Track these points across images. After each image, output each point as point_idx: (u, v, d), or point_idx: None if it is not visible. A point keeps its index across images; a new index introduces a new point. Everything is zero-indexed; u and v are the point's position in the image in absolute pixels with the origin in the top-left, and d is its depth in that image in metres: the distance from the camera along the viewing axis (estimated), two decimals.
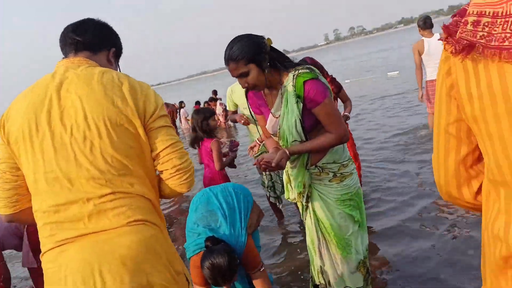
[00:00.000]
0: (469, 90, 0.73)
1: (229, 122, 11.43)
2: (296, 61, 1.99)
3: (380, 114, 8.21)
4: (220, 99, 12.22)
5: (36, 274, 2.77)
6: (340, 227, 1.98)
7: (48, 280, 1.22)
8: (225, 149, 3.39)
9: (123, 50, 1.57)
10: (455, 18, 0.77)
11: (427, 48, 5.24)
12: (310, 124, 1.87)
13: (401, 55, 20.30)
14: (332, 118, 1.84)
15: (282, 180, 3.49)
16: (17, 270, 4.10)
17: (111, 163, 1.23)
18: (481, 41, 0.70)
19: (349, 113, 3.55)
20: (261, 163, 1.83)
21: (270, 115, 1.98)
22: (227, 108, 3.74)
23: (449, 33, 0.76)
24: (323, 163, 1.95)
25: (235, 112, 3.67)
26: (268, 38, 1.85)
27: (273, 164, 1.80)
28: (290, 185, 2.07)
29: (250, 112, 2.11)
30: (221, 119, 11.77)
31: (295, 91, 1.81)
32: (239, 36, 1.85)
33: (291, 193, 2.09)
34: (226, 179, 3.28)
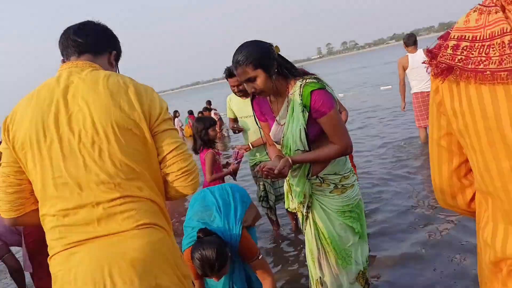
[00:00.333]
0: (453, 108, 0.78)
1: (223, 132, 11.46)
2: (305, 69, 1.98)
3: (378, 124, 8.35)
4: (215, 110, 12.25)
5: (36, 278, 2.73)
6: (341, 238, 1.97)
7: (58, 282, 1.21)
8: (230, 160, 3.43)
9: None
10: (439, 42, 0.82)
11: (411, 63, 5.51)
12: (315, 134, 1.86)
13: (393, 70, 20.55)
14: (337, 130, 1.84)
15: (276, 190, 3.54)
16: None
17: (119, 168, 1.23)
18: (459, 64, 0.75)
19: (346, 120, 3.54)
20: (263, 170, 1.83)
21: (275, 122, 1.97)
22: (227, 116, 3.75)
23: (432, 56, 0.81)
24: (324, 174, 1.94)
25: (235, 119, 3.69)
26: (276, 46, 1.86)
27: (275, 172, 1.79)
28: (291, 194, 2.06)
29: (255, 119, 2.11)
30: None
31: (301, 100, 1.81)
32: (247, 42, 1.86)
33: (291, 203, 2.08)
34: None
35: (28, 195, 1.32)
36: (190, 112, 13.74)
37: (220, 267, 1.97)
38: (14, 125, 1.27)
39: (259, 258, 2.22)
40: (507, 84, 0.68)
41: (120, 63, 1.57)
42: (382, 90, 14.49)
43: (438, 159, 0.91)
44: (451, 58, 0.76)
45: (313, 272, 2.08)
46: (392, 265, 2.88)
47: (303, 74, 1.89)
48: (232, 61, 1.83)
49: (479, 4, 0.76)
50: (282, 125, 1.94)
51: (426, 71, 0.83)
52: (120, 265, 1.17)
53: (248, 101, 3.42)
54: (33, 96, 1.30)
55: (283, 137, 1.94)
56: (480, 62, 0.72)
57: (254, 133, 3.45)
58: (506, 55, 0.69)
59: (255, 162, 3.56)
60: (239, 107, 3.54)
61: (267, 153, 2.26)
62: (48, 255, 1.26)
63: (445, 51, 0.78)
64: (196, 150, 3.35)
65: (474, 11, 0.76)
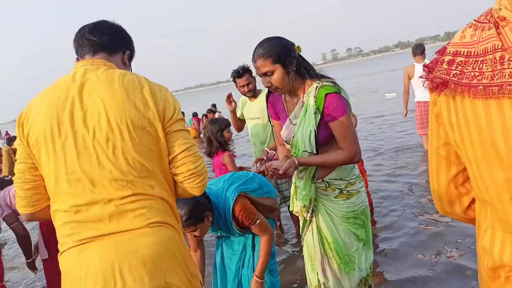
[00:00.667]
0: (450, 120, 0.81)
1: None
2: (323, 73, 1.97)
3: (379, 132, 8.37)
4: (220, 112, 12.30)
5: (48, 268, 2.72)
6: (344, 243, 1.96)
7: (68, 278, 1.21)
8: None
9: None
10: (436, 57, 0.84)
11: (417, 73, 5.60)
12: (325, 137, 1.85)
13: (398, 78, 20.63)
14: (347, 136, 1.82)
15: (281, 193, 3.56)
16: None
17: (132, 165, 1.24)
18: (453, 79, 0.77)
19: (355, 126, 3.56)
20: (268, 169, 1.83)
21: (287, 121, 1.96)
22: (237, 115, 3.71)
23: (428, 70, 0.84)
24: (330, 179, 1.93)
25: (242, 120, 3.70)
26: (298, 46, 1.87)
27: (280, 172, 1.79)
28: (296, 197, 2.05)
29: (268, 117, 2.11)
30: None
31: (315, 101, 1.80)
32: (271, 37, 1.86)
33: (296, 206, 2.07)
34: None
35: (43, 191, 1.32)
36: (195, 114, 13.80)
37: (190, 223, 1.96)
38: (29, 121, 1.27)
39: (256, 223, 2.20)
40: (499, 99, 0.71)
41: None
42: (386, 97, 14.51)
43: (437, 167, 0.94)
44: (446, 73, 0.79)
45: (312, 278, 2.07)
46: (394, 272, 2.89)
47: (320, 76, 1.89)
48: (253, 54, 1.83)
49: (474, 20, 0.79)
50: (294, 124, 1.93)
51: (423, 85, 0.85)
52: (131, 262, 1.18)
53: (254, 103, 3.48)
54: (48, 93, 1.30)
55: (293, 137, 1.93)
56: (474, 77, 0.74)
57: (256, 136, 3.48)
58: (497, 71, 0.71)
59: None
60: (247, 107, 3.57)
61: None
62: None
63: (440, 66, 0.81)
64: (211, 153, 3.27)
65: (470, 27, 0.79)
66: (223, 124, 3.21)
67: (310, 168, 1.93)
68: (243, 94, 3.50)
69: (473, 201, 0.92)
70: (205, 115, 12.98)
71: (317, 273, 2.03)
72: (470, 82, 0.75)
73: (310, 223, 2.02)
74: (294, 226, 3.85)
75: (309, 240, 2.03)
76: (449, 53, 0.80)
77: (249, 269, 2.36)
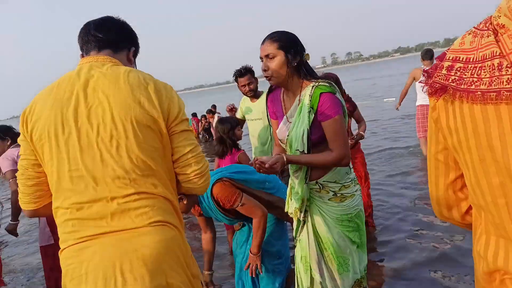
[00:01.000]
0: (448, 125, 0.82)
1: None
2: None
3: (379, 134, 8.42)
4: (219, 113, 12.31)
5: (49, 253, 2.79)
6: (338, 245, 1.97)
7: (68, 276, 1.20)
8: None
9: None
10: (436, 62, 0.86)
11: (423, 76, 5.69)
12: (317, 137, 1.86)
13: (397, 82, 20.72)
14: (337, 137, 1.83)
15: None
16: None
17: (136, 163, 1.23)
18: (452, 84, 0.79)
19: (364, 132, 3.54)
20: (256, 162, 1.83)
21: (284, 119, 1.97)
22: (237, 115, 3.72)
23: (428, 75, 0.86)
24: (324, 181, 1.94)
25: (242, 121, 3.70)
26: (307, 54, 1.91)
27: (266, 165, 1.79)
28: (291, 198, 2.06)
29: (267, 116, 2.13)
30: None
31: (310, 100, 1.82)
32: (287, 30, 1.92)
33: (290, 207, 2.07)
34: None
35: (46, 188, 1.31)
36: (194, 114, 13.81)
37: None
38: (33, 117, 1.26)
39: (240, 205, 2.25)
40: (497, 104, 0.72)
41: None
42: (385, 102, 14.57)
43: (435, 172, 0.94)
44: (445, 78, 0.80)
45: (304, 280, 2.07)
46: (392, 275, 2.89)
47: (318, 78, 1.91)
48: (265, 37, 1.88)
49: (473, 27, 0.81)
50: (290, 123, 1.94)
51: (422, 90, 0.87)
52: (132, 261, 1.16)
53: (255, 104, 3.49)
54: (52, 89, 1.29)
55: (287, 136, 1.94)
56: (472, 83, 0.75)
57: (258, 137, 3.50)
58: (495, 77, 0.72)
59: None
60: (247, 109, 3.58)
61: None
62: None
63: (440, 71, 0.82)
64: (224, 153, 3.16)
65: (469, 33, 0.80)
66: (234, 122, 3.15)
67: (304, 168, 1.93)
68: (244, 94, 3.51)
69: (471, 206, 0.93)
70: (204, 116, 12.98)
71: (312, 273, 2.03)
72: (468, 87, 0.76)
73: (304, 223, 2.02)
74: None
75: (304, 241, 2.04)
76: (448, 59, 0.82)
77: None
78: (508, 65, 0.71)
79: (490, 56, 0.74)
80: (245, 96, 3.58)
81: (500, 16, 0.75)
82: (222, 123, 3.10)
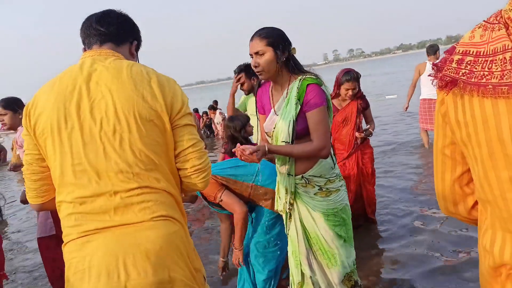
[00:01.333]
0: (457, 119, 0.81)
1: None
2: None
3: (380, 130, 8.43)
4: (220, 109, 12.31)
5: (50, 245, 2.76)
6: (325, 239, 2.02)
7: (71, 270, 1.20)
8: None
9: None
10: (445, 56, 0.85)
11: (427, 70, 5.94)
12: (301, 128, 1.90)
13: (399, 80, 20.68)
14: (319, 127, 1.87)
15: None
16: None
17: (139, 158, 1.23)
18: (463, 77, 0.78)
19: (373, 130, 3.57)
20: (238, 149, 1.87)
21: (271, 111, 2.02)
22: (240, 109, 3.70)
23: (437, 69, 0.85)
24: (309, 175, 1.98)
25: (237, 110, 3.68)
26: (294, 47, 1.96)
27: (246, 152, 1.82)
28: (279, 195, 2.12)
29: (256, 111, 2.17)
30: (219, 128, 11.85)
31: (298, 92, 1.88)
32: (273, 26, 1.98)
33: (279, 204, 2.13)
34: None
35: (52, 182, 1.31)
36: (195, 110, 13.80)
37: None
38: (36, 111, 1.26)
39: (220, 201, 2.41)
40: (508, 98, 0.72)
41: None
42: (387, 98, 14.54)
43: (442, 167, 0.94)
44: (455, 72, 0.80)
45: (295, 274, 2.10)
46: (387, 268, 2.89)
47: (306, 72, 1.97)
48: (253, 35, 1.94)
49: (483, 21, 0.80)
50: (277, 115, 1.98)
51: (432, 83, 0.87)
52: (135, 256, 1.17)
53: (253, 99, 3.49)
54: (55, 83, 1.29)
55: (274, 128, 1.98)
56: (483, 77, 0.76)
57: (256, 132, 3.51)
58: (507, 71, 0.72)
59: None
60: (245, 104, 3.62)
61: None
62: None
63: (450, 65, 0.82)
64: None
65: (479, 27, 0.80)
66: (244, 119, 3.12)
67: (290, 162, 1.98)
68: (241, 89, 3.54)
69: (477, 201, 0.93)
70: (205, 113, 12.96)
71: (302, 267, 2.07)
72: (479, 81, 0.76)
73: (291, 216, 2.07)
74: None
75: (293, 236, 2.08)
76: (458, 53, 0.81)
77: (250, 255, 2.50)
78: None
79: (501, 50, 0.74)
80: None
81: (511, 10, 0.75)
82: (233, 121, 3.06)
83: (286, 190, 2.02)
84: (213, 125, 12.46)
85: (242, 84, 3.40)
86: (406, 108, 6.42)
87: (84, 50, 1.42)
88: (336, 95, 3.53)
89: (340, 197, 2.03)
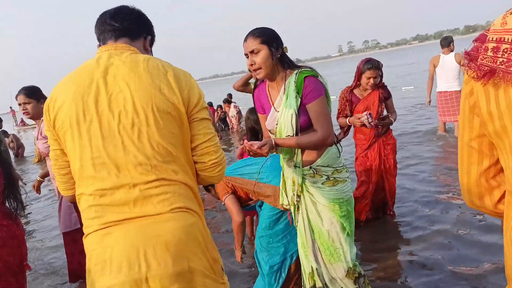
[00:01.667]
0: (489, 110, 0.78)
1: (242, 125, 11.52)
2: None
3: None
4: (235, 102, 12.31)
5: (76, 238, 2.80)
6: (329, 234, 2.04)
7: (92, 261, 1.23)
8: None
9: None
10: (476, 44, 0.82)
11: (441, 63, 5.92)
12: (304, 120, 1.94)
13: (415, 71, 20.31)
14: (321, 117, 1.92)
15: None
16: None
17: (157, 150, 1.24)
18: (501, 66, 0.74)
19: (394, 121, 3.57)
20: (245, 144, 1.89)
21: (272, 109, 2.06)
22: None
23: (470, 58, 0.82)
24: (317, 165, 2.03)
25: (246, 88, 3.69)
26: (285, 46, 2.02)
27: (254, 147, 1.85)
28: (285, 190, 2.15)
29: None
30: (234, 121, 11.87)
31: (296, 86, 1.93)
32: (264, 26, 2.04)
33: (285, 199, 2.16)
34: None
35: None
36: (210, 104, 13.83)
37: None
38: (55, 105, 1.28)
39: (223, 203, 2.63)
40: None
41: None
42: (403, 90, 14.32)
43: (468, 160, 0.92)
44: (492, 61, 0.77)
45: (306, 265, 2.13)
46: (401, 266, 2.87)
47: (301, 67, 2.02)
48: (246, 35, 1.99)
49: None
50: (278, 111, 2.02)
51: (467, 73, 0.83)
52: (155, 247, 1.18)
53: None
54: (73, 77, 1.30)
55: (276, 124, 2.02)
56: None
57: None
58: None
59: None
60: None
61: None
62: None
63: (485, 53, 0.78)
64: None
65: (511, 13, 0.76)
66: None
67: (296, 155, 2.02)
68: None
69: (503, 195, 0.91)
70: (220, 106, 12.99)
71: (309, 259, 2.10)
72: None
73: (299, 208, 2.10)
74: None
75: (301, 228, 2.12)
76: (492, 40, 0.78)
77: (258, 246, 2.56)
78: None
79: None
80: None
81: None
82: (254, 113, 3.03)
83: (294, 182, 2.06)
84: (227, 119, 12.48)
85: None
86: (429, 102, 6.34)
87: (99, 46, 1.43)
88: (357, 85, 3.50)
89: (347, 188, 2.08)
